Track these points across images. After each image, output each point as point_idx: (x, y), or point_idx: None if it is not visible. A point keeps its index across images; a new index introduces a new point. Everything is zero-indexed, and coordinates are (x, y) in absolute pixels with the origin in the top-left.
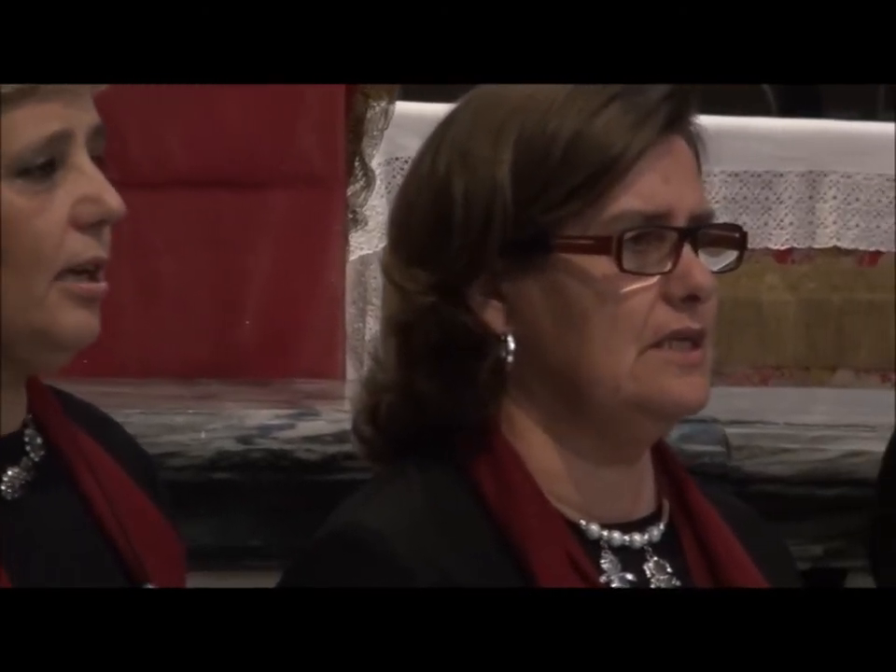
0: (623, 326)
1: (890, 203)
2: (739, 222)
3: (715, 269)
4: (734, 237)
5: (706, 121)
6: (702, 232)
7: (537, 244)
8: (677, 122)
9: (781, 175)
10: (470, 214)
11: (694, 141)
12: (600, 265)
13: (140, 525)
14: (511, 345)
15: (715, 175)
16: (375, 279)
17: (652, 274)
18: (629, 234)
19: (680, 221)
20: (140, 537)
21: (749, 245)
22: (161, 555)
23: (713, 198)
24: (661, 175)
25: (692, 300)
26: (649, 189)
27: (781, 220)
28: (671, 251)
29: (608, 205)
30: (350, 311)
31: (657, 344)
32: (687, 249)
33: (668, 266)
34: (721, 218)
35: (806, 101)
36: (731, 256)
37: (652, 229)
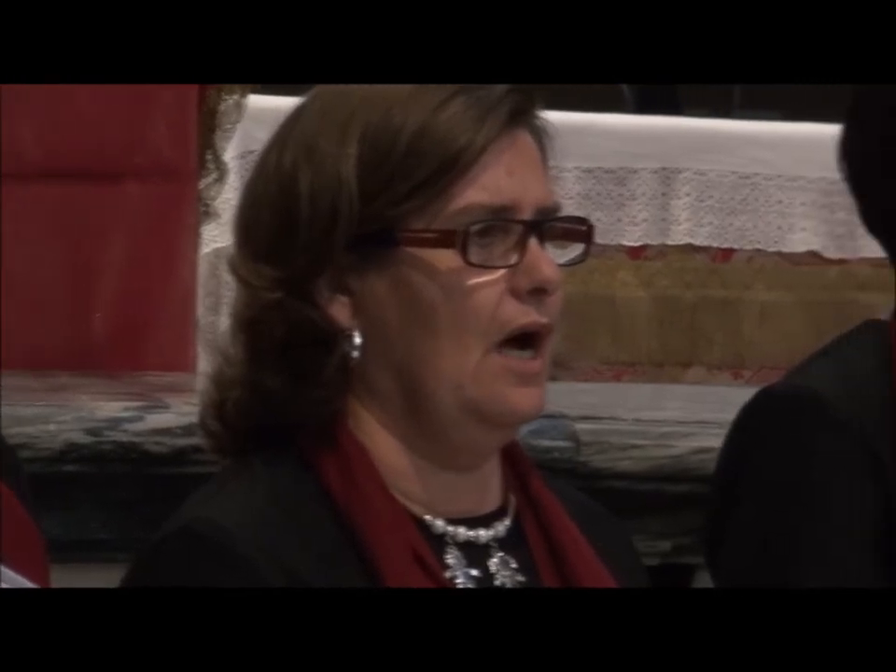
0: (470, 320)
1: (744, 200)
2: (593, 218)
3: (562, 262)
4: (580, 230)
5: (560, 117)
6: (548, 225)
7: (382, 238)
8: (521, 116)
9: (635, 171)
10: (316, 209)
11: (540, 135)
12: (446, 259)
13: (4, 520)
14: (357, 341)
15: (569, 171)
16: (228, 273)
17: (498, 268)
18: (474, 228)
19: (526, 214)
20: (3, 532)
21: (603, 242)
22: (23, 551)
23: (566, 194)
24: (505, 169)
25: (539, 293)
26: (493, 182)
27: (635, 217)
28: (517, 244)
29: (452, 199)
30: (204, 304)
31: (499, 349)
32: (533, 242)
33: (514, 259)
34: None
35: (663, 98)
36: (578, 249)
37: (498, 222)
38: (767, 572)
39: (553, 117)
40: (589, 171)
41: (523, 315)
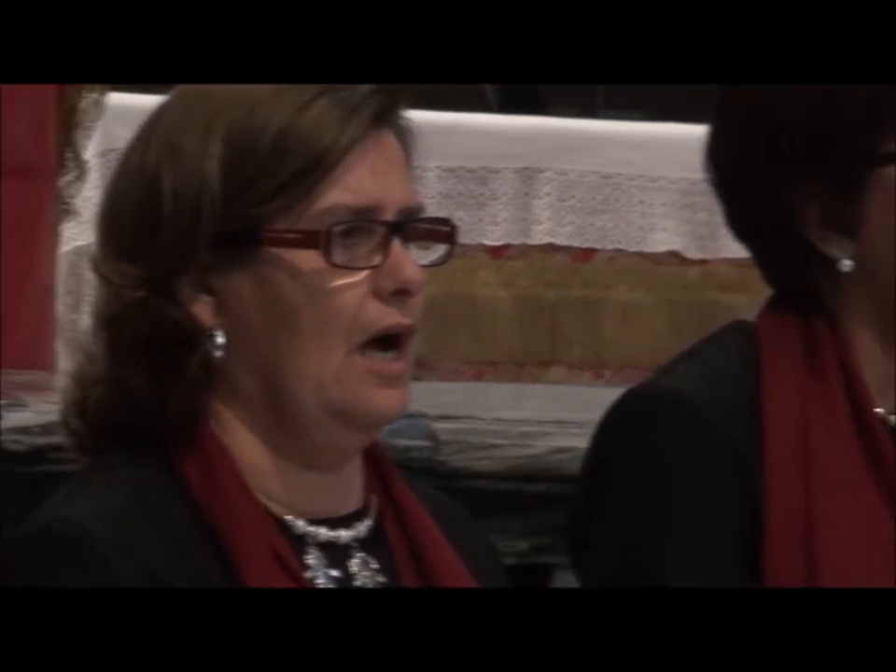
0: (333, 321)
1: (605, 200)
2: (454, 218)
3: (425, 263)
4: (444, 231)
5: (422, 117)
6: (411, 226)
7: (246, 238)
8: (385, 117)
9: (497, 171)
10: (179, 208)
11: (404, 136)
12: (309, 259)
13: None
14: (220, 340)
15: (430, 171)
16: (89, 271)
17: (362, 269)
18: (338, 228)
19: (389, 215)
20: None
21: (464, 241)
22: None
23: (428, 193)
24: (369, 169)
25: (401, 294)
26: (357, 182)
27: (496, 216)
28: (380, 245)
29: (316, 199)
30: (64, 302)
31: (362, 351)
32: (396, 243)
33: (378, 260)
34: (437, 214)
35: (527, 98)
36: (441, 250)
37: (361, 222)
38: (632, 574)
39: (415, 116)
40: (451, 170)
41: (386, 317)
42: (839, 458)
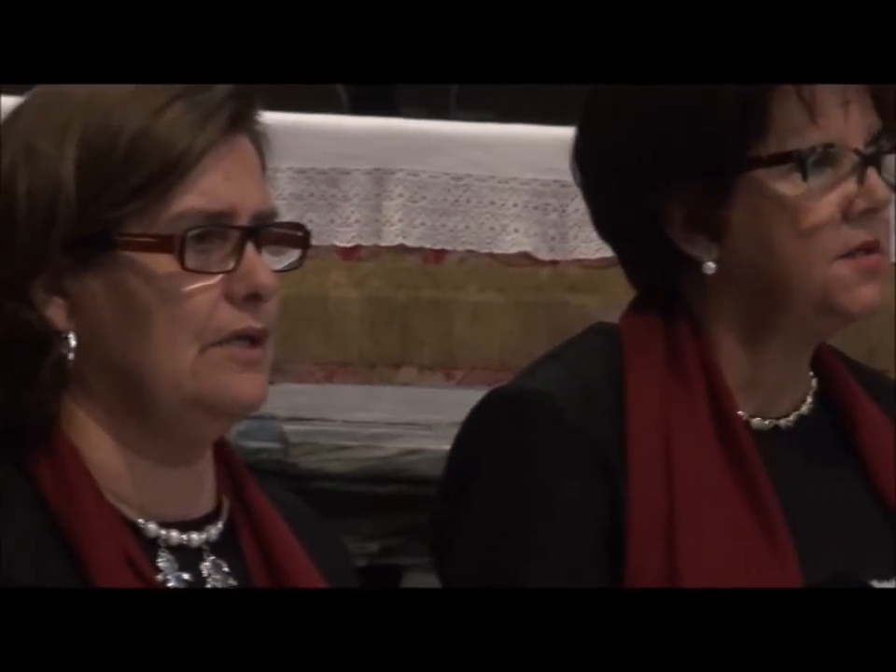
0: (185, 325)
1: (456, 201)
2: (305, 219)
3: (278, 267)
4: (297, 236)
5: (273, 118)
6: (265, 231)
7: (100, 241)
8: (241, 121)
9: (348, 172)
10: (33, 210)
11: (259, 140)
12: (163, 263)
13: None
14: (73, 343)
15: (282, 172)
16: None
17: (215, 273)
18: (192, 233)
19: (243, 220)
20: None
21: (316, 243)
22: None
23: (279, 194)
24: (224, 174)
25: (254, 298)
26: (211, 187)
27: (348, 218)
28: (234, 250)
29: (170, 204)
30: None
31: (219, 342)
32: (250, 248)
33: (231, 265)
34: (288, 216)
35: (379, 99)
36: (295, 254)
37: (215, 227)
38: (494, 574)
39: (266, 117)
40: (302, 171)
41: (237, 321)
42: (701, 460)
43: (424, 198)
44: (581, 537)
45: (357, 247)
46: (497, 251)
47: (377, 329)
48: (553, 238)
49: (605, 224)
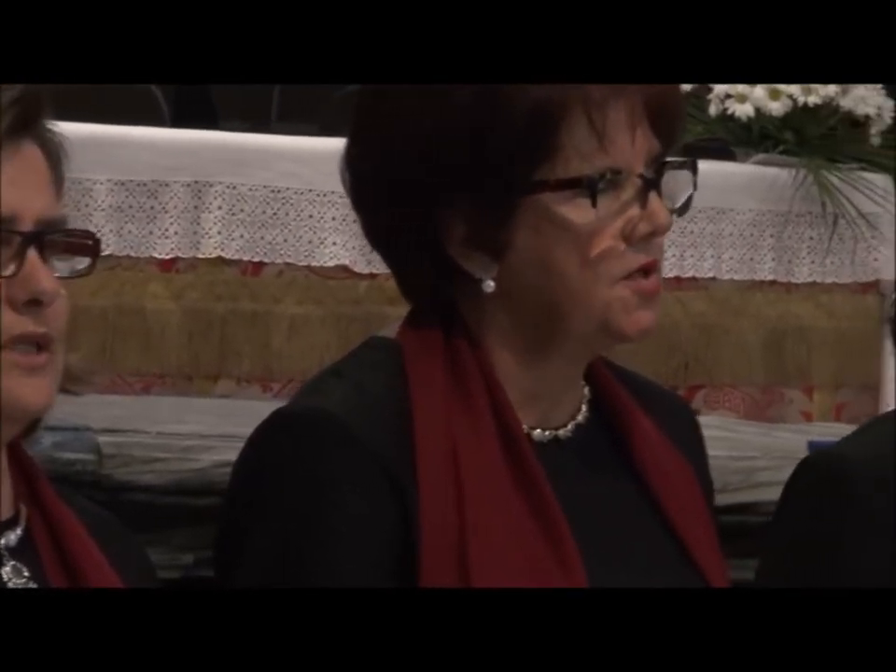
0: None
1: (275, 214)
2: (125, 231)
3: (65, 274)
4: (87, 244)
5: (93, 129)
6: (49, 238)
7: None
8: (26, 127)
9: (167, 184)
10: None
11: (48, 146)
12: None
13: None
14: None
15: (101, 184)
16: None
17: None
18: None
19: (26, 226)
20: None
21: (134, 254)
22: None
23: (98, 206)
24: (6, 179)
25: (35, 304)
26: None
27: (166, 230)
28: (15, 255)
29: None
30: None
31: (8, 347)
32: (32, 254)
33: (11, 270)
34: (106, 227)
35: (200, 110)
36: (85, 262)
37: None
38: None
39: (86, 128)
40: (121, 183)
41: (18, 326)
42: (488, 474)
43: (242, 210)
44: (370, 556)
45: (175, 259)
46: (315, 264)
47: (195, 340)
48: (372, 251)
49: (379, 234)
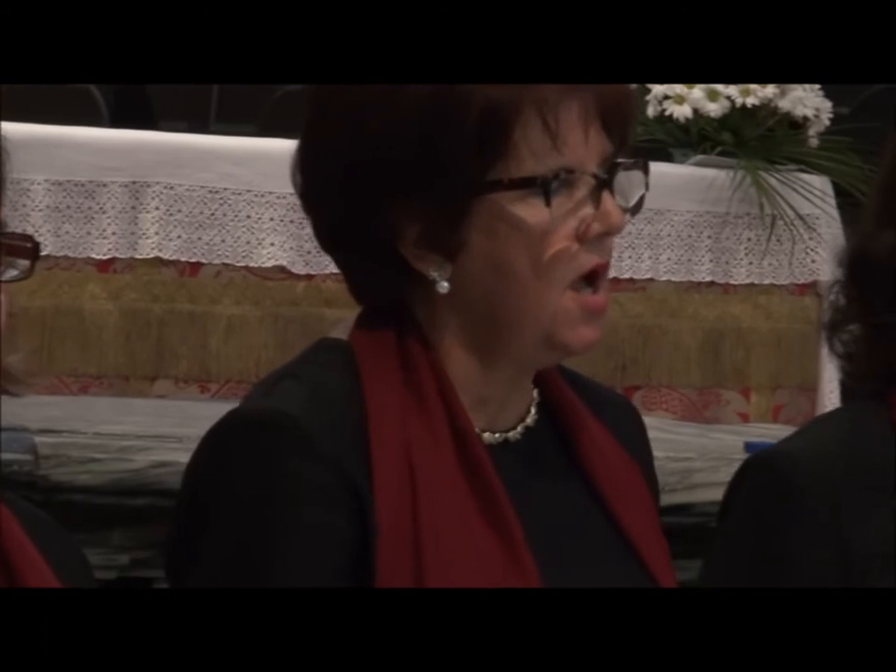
0: None
1: (213, 215)
2: (62, 231)
3: (4, 278)
4: (25, 247)
5: (30, 130)
6: None
7: None
8: None
9: (104, 184)
10: None
11: None
12: None
13: None
14: None
15: (39, 184)
16: None
17: None
18: None
19: None
20: None
21: (71, 255)
22: None
23: (36, 206)
24: None
25: None
26: None
27: (104, 230)
28: None
29: None
30: None
31: None
32: None
33: None
34: (44, 227)
35: (138, 110)
36: (24, 265)
37: None
38: None
39: (23, 128)
40: (59, 183)
41: None
42: (442, 478)
43: (180, 211)
44: (326, 559)
45: (112, 260)
46: (252, 265)
47: (133, 341)
48: (309, 252)
49: (329, 235)
